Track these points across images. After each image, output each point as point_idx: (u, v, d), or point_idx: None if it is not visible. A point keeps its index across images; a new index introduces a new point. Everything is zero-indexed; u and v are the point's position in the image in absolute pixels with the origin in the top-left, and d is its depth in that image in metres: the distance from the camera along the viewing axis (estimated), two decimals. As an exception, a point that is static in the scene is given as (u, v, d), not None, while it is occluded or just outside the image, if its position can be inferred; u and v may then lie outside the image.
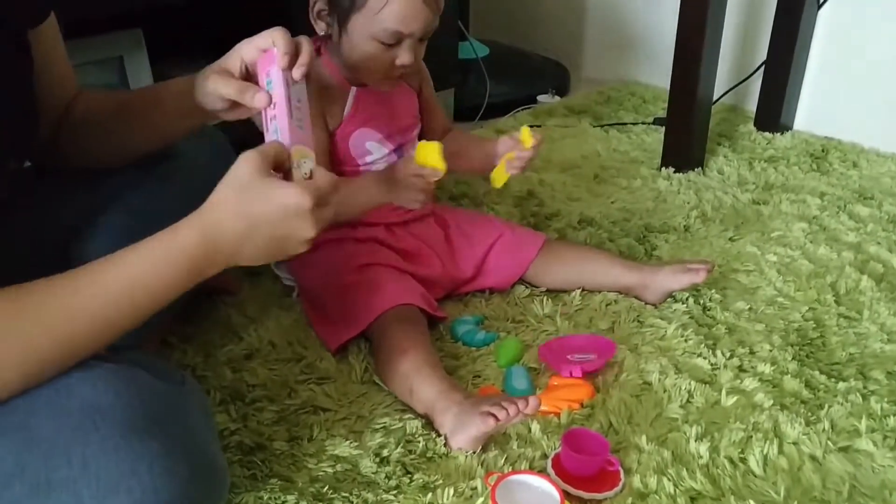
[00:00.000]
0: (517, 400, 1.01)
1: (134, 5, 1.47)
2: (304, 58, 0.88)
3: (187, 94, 0.93)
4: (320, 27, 1.18)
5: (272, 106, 0.86)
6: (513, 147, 1.22)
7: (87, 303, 0.74)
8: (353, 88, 1.23)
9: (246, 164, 0.78)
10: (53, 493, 0.69)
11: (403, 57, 1.15)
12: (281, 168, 0.81)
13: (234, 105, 0.91)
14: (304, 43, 0.89)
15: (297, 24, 1.18)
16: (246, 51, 0.89)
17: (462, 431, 1.01)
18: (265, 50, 0.88)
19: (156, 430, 0.71)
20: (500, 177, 1.25)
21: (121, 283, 0.75)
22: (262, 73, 0.89)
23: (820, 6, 1.93)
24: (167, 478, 0.70)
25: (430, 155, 1.12)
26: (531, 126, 2.08)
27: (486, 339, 1.25)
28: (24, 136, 0.86)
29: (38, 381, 0.72)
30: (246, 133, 1.01)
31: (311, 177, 0.82)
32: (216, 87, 0.89)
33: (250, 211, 0.77)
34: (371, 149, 1.26)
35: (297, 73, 0.88)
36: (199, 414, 0.82)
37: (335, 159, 1.24)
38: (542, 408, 1.08)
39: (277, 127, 0.85)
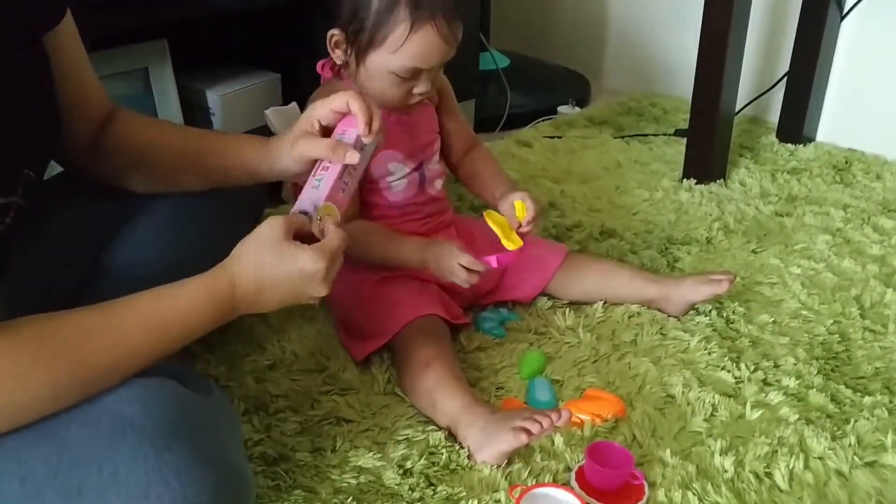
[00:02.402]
0: (549, 413, 1.00)
1: (159, 16, 1.48)
2: (377, 124, 0.95)
3: (258, 160, 0.99)
4: (337, 55, 1.18)
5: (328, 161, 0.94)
6: (511, 217, 1.17)
7: (124, 336, 0.78)
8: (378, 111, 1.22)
9: (270, 228, 0.84)
10: (84, 500, 0.70)
11: (421, 87, 1.17)
12: (301, 233, 0.86)
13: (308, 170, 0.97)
14: (376, 109, 0.95)
15: (318, 40, 1.19)
16: (322, 113, 0.95)
17: (489, 446, 1.01)
18: (340, 112, 0.95)
19: (184, 439, 0.72)
20: (509, 243, 1.15)
21: (163, 316, 0.81)
22: (338, 130, 0.96)
23: (843, 17, 1.92)
24: (196, 486, 0.70)
25: (503, 229, 1.12)
26: (551, 137, 2.10)
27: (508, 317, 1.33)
28: (41, 143, 0.86)
29: (66, 404, 0.73)
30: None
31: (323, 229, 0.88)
32: (309, 150, 0.95)
33: (269, 271, 0.83)
34: (393, 169, 1.25)
35: (371, 138, 0.95)
36: (227, 424, 0.83)
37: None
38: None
39: (325, 178, 0.92)
